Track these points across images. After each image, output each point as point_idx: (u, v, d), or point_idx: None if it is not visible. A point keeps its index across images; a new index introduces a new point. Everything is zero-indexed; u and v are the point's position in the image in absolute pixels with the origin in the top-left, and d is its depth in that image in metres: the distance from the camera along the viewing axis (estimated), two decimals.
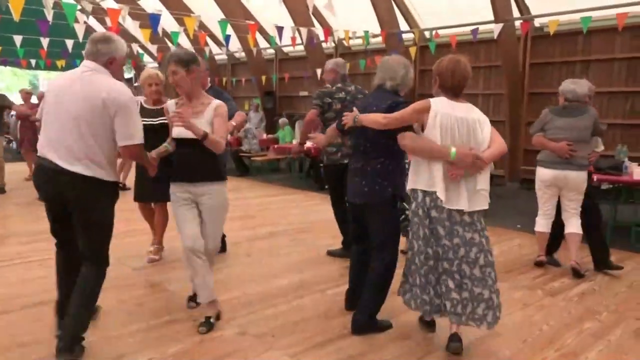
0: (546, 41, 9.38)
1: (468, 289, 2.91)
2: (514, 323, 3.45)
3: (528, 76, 9.70)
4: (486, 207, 3.06)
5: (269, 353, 2.95)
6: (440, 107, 2.95)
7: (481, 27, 8.94)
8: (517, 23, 9.04)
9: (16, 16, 6.54)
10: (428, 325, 3.30)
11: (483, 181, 3.02)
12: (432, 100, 2.98)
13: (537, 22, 9.41)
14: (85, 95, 2.69)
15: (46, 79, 31.16)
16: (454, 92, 3.03)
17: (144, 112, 4.23)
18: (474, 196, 3.00)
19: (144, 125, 3.39)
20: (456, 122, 2.93)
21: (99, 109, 2.68)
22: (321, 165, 4.94)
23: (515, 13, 9.16)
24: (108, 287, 3.85)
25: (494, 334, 3.24)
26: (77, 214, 2.78)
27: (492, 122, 10.53)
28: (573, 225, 4.52)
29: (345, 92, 4.61)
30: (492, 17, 8.83)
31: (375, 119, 3.02)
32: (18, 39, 10.22)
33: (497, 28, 8.54)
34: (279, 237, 5.61)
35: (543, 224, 4.76)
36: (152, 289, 3.95)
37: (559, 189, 4.62)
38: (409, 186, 3.08)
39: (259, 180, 10.17)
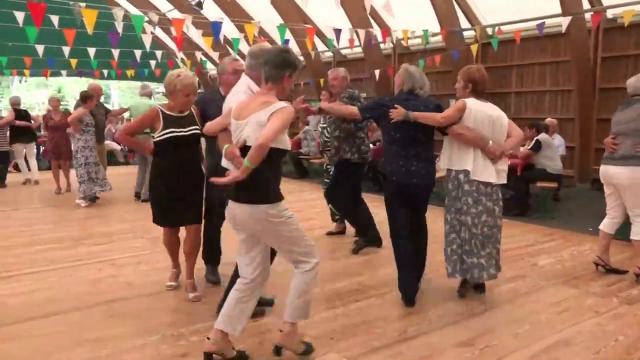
0: (620, 33, 8.82)
1: (488, 248, 3.70)
2: (585, 333, 3.26)
3: (600, 71, 9.16)
4: (505, 182, 3.83)
5: (327, 356, 2.95)
6: (473, 106, 3.68)
7: (548, 21, 8.53)
8: (588, 15, 8.56)
9: (90, 30, 6.95)
10: (474, 288, 3.93)
11: (503, 163, 3.78)
12: (466, 100, 3.71)
13: (610, 13, 8.87)
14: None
15: (117, 88, 32.97)
16: (482, 93, 3.80)
17: (171, 121, 3.66)
18: (498, 174, 3.73)
19: (175, 136, 3.64)
20: (485, 117, 3.68)
21: None
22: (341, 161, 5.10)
23: (585, 5, 8.68)
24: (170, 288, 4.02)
25: (563, 344, 3.08)
26: None
27: (561, 120, 10.10)
28: (633, 232, 4.26)
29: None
30: (559, 10, 8.41)
31: (434, 117, 3.69)
32: (92, 51, 10.89)
33: (565, 21, 8.11)
34: (337, 240, 5.62)
35: (606, 223, 4.58)
36: (215, 288, 4.05)
37: (614, 186, 4.41)
38: (445, 166, 3.86)
39: (317, 182, 10.24)
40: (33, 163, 9.99)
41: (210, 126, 3.13)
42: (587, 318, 3.48)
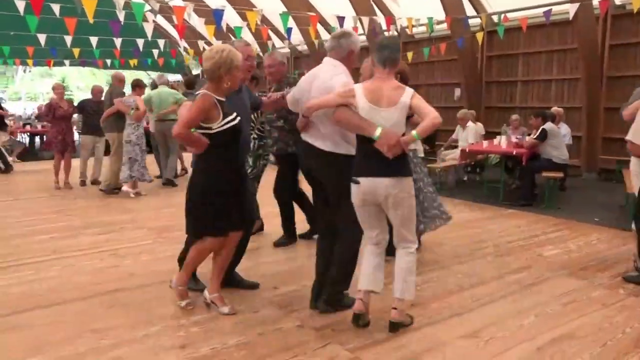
0: (629, 20, 8.69)
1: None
2: (591, 325, 3.20)
3: (607, 59, 9.04)
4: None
5: (328, 347, 2.91)
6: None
7: (555, 8, 8.39)
8: (595, 2, 8.40)
9: (90, 18, 6.88)
10: None
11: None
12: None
13: (619, 0, 8.72)
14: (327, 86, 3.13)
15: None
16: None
17: (225, 107, 3.18)
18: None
19: (235, 125, 3.16)
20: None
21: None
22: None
23: None
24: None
25: (569, 336, 3.03)
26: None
27: (567, 109, 9.95)
28: None
29: None
30: None
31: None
32: (94, 40, 10.81)
33: (572, 8, 7.97)
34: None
35: None
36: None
37: None
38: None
39: None
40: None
41: (315, 104, 3.11)
42: (594, 310, 3.42)
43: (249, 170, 4.22)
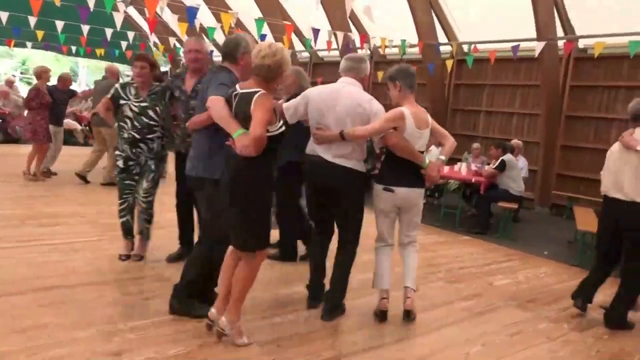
0: (589, 64, 9.04)
1: None
2: (536, 358, 3.23)
3: (567, 98, 9.37)
4: None
5: None
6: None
7: (522, 45, 8.65)
8: (561, 43, 8.73)
9: (57, 0, 6.61)
10: None
11: None
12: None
13: (582, 43, 9.10)
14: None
15: (85, 66, 31.91)
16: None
17: None
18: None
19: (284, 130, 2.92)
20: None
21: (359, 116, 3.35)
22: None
23: (560, 32, 8.86)
24: (115, 279, 3.80)
25: None
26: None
27: (526, 143, 10.19)
28: None
29: None
30: (534, 34, 8.55)
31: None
32: (60, 24, 10.41)
33: (539, 46, 8.24)
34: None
35: None
36: (161, 284, 3.84)
37: None
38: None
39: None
40: None
41: (366, 132, 3.35)
42: (539, 343, 3.46)
43: (153, 176, 4.23)
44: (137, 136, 4.10)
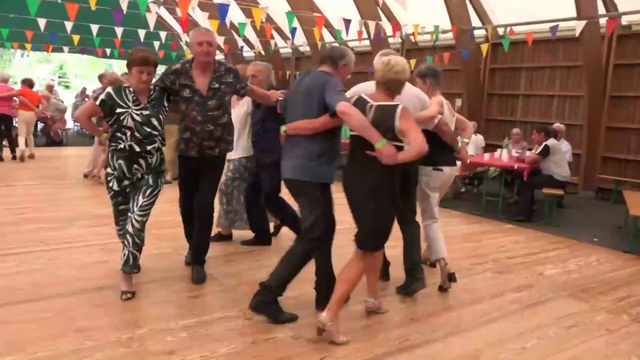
0: (634, 40, 8.65)
1: None
2: (596, 351, 3.10)
3: (611, 78, 8.99)
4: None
5: None
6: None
7: (561, 24, 8.33)
8: (603, 20, 8.36)
9: (92, 5, 6.73)
10: None
11: None
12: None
13: (625, 20, 8.69)
14: None
15: (120, 69, 32.61)
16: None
17: None
18: None
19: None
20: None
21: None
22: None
23: (601, 10, 8.48)
24: (161, 278, 3.85)
25: None
26: None
27: (569, 126, 9.89)
28: None
29: None
30: (573, 14, 8.21)
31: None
32: (95, 28, 10.64)
33: (579, 25, 7.91)
34: (345, 235, 5.43)
35: None
36: (207, 281, 3.87)
37: None
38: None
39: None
40: None
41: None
42: (598, 335, 3.32)
43: (151, 191, 3.53)
44: (137, 149, 3.43)
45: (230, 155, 4.52)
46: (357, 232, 3.07)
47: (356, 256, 3.10)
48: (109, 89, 3.44)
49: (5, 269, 3.91)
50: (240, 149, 4.65)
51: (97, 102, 3.40)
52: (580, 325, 3.45)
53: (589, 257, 5.19)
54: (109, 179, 3.52)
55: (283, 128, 3.22)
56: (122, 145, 3.42)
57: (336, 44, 13.74)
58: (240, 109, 4.65)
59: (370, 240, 3.05)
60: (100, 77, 8.02)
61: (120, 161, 3.45)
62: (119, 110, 3.39)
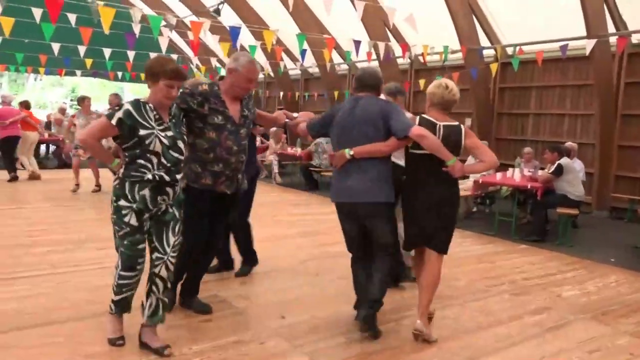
0: None
1: None
2: None
3: (622, 96, 8.94)
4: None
5: None
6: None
7: (571, 43, 8.33)
8: (613, 39, 8.35)
9: (106, 29, 6.83)
10: None
11: None
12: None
13: (635, 38, 8.68)
14: None
15: (131, 91, 33.08)
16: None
17: None
18: None
19: None
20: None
21: None
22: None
23: (611, 28, 8.48)
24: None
25: None
26: None
27: (580, 145, 9.83)
28: None
29: None
30: (583, 33, 8.21)
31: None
32: (107, 51, 10.81)
33: (589, 44, 7.91)
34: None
35: None
36: (218, 304, 3.82)
37: None
38: None
39: (326, 195, 10.01)
40: None
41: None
42: None
43: (179, 225, 3.11)
44: (167, 178, 2.92)
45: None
46: (437, 240, 3.33)
47: (431, 262, 3.36)
48: (127, 105, 2.87)
49: (14, 293, 3.88)
50: None
51: (113, 121, 2.80)
52: (604, 350, 3.34)
53: (607, 278, 5.07)
54: (124, 212, 2.86)
55: (349, 152, 3.23)
56: (148, 176, 2.86)
57: (344, 65, 13.85)
58: None
59: (449, 243, 3.41)
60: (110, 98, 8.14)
61: (144, 192, 2.88)
62: (142, 132, 2.83)
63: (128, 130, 2.82)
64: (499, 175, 7.70)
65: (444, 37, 10.00)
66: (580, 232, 7.42)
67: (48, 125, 14.38)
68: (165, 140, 2.89)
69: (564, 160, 6.81)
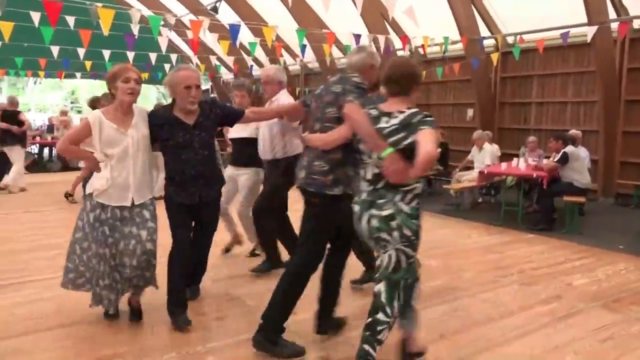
0: None
1: None
2: None
3: (625, 82, 8.89)
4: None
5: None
6: None
7: (572, 30, 8.28)
8: (614, 25, 8.30)
9: (105, 31, 6.81)
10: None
11: None
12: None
13: (637, 24, 8.62)
14: None
15: None
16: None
17: None
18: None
19: None
20: None
21: None
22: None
23: (612, 14, 8.42)
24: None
25: None
26: None
27: (584, 132, 9.82)
28: None
29: None
30: (583, 20, 8.16)
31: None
32: (107, 53, 10.80)
33: (590, 30, 7.87)
34: None
35: None
36: (233, 302, 3.82)
37: None
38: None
39: None
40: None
41: None
42: (635, 348, 3.20)
43: None
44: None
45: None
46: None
47: None
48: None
49: (24, 297, 3.89)
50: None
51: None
52: (616, 338, 3.34)
53: (616, 266, 5.06)
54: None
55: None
56: None
57: (344, 59, 13.80)
58: None
59: None
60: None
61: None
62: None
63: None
64: (504, 165, 7.68)
65: (443, 28, 9.96)
66: (587, 220, 7.40)
67: (50, 129, 14.39)
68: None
69: (569, 148, 6.79)
